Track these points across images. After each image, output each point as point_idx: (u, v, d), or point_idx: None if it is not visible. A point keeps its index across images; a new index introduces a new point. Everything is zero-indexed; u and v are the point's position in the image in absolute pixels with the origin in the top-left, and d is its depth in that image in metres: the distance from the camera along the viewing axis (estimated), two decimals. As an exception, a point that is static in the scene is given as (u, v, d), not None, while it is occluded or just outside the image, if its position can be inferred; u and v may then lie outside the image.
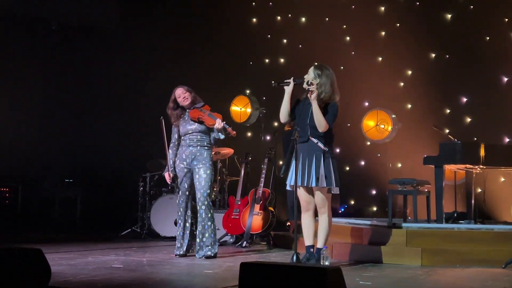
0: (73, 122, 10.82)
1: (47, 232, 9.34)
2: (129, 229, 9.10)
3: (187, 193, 6.55)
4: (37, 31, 10.54)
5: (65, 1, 10.54)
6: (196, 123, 6.49)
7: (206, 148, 6.53)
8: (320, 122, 5.58)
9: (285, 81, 5.71)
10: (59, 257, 6.18)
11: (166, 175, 6.60)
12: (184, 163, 6.51)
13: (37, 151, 10.37)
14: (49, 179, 10.53)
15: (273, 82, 5.84)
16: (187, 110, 6.60)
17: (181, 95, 6.59)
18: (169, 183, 6.71)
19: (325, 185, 5.58)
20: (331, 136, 5.75)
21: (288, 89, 5.70)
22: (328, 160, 5.61)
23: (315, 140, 5.63)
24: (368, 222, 7.02)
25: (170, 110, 6.64)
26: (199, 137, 6.50)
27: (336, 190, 5.67)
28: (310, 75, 5.70)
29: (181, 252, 6.52)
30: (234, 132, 6.52)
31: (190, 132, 6.51)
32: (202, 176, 6.44)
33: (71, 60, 10.80)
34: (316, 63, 5.84)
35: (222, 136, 6.46)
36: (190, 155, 6.47)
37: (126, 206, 9.77)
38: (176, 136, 6.66)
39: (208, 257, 6.36)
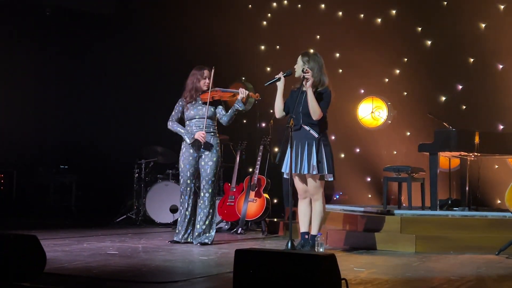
0: (69, 108, 10.80)
1: (42, 218, 9.34)
2: (124, 216, 9.11)
3: (188, 181, 6.51)
4: (31, 17, 10.49)
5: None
6: (204, 108, 6.38)
7: (212, 134, 6.47)
8: (315, 109, 5.61)
9: (275, 77, 5.77)
10: (54, 243, 6.19)
11: (198, 136, 6.33)
12: (191, 150, 6.45)
13: (32, 137, 10.36)
14: (44, 165, 10.52)
15: (265, 84, 5.90)
16: (199, 94, 6.48)
17: (208, 77, 6.48)
18: (203, 137, 6.35)
19: (317, 172, 5.62)
20: (325, 123, 5.79)
21: (280, 85, 5.76)
22: (321, 147, 5.64)
23: (307, 128, 5.67)
24: (363, 209, 7.05)
25: (189, 86, 6.46)
26: (206, 123, 6.39)
27: (329, 177, 5.71)
28: (299, 63, 5.76)
29: (177, 239, 6.51)
30: (257, 94, 6.51)
31: (197, 117, 6.42)
32: (208, 163, 6.41)
33: (66, 45, 10.76)
34: (302, 51, 5.87)
35: (244, 107, 6.39)
36: (197, 141, 6.40)
37: (121, 192, 9.77)
38: (179, 114, 6.51)
39: (204, 244, 6.37)
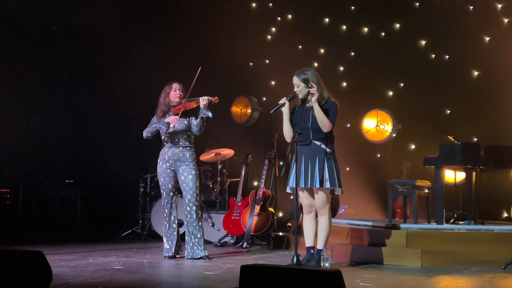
0: (74, 122, 10.85)
1: (48, 232, 9.34)
2: (130, 230, 9.10)
3: (171, 193, 6.55)
4: (36, 32, 10.56)
5: (64, 1, 10.56)
6: (177, 122, 6.40)
7: (188, 148, 6.50)
8: (324, 122, 5.63)
9: (279, 102, 5.77)
10: (60, 258, 6.19)
11: (170, 119, 6.34)
12: (167, 164, 6.49)
13: (38, 151, 10.41)
14: (49, 179, 10.55)
15: (270, 112, 5.92)
16: (170, 108, 6.53)
17: (177, 90, 6.55)
18: (175, 121, 6.35)
19: (329, 187, 5.64)
20: (332, 137, 5.82)
21: (285, 110, 5.78)
22: (331, 162, 5.67)
23: (318, 143, 5.69)
24: (368, 223, 7.04)
25: (161, 101, 6.55)
26: (180, 136, 6.47)
27: (339, 191, 5.75)
28: (300, 85, 5.75)
29: (171, 254, 6.48)
30: (216, 97, 6.47)
31: (171, 132, 6.45)
32: (188, 177, 6.43)
33: (72, 60, 10.82)
34: (296, 72, 5.84)
35: (210, 114, 6.33)
36: (173, 156, 6.45)
37: (126, 206, 9.77)
38: (153, 129, 6.54)
39: (203, 258, 6.36)
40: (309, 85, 5.68)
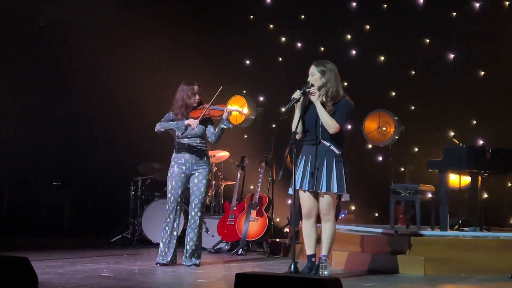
0: (62, 123, 10.82)
1: (34, 237, 9.33)
2: (120, 236, 9.10)
3: (179, 199, 6.52)
4: (25, 28, 10.53)
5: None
6: (197, 127, 6.42)
7: (205, 152, 6.57)
8: (328, 122, 5.49)
9: (293, 97, 5.55)
10: (47, 265, 6.18)
11: (191, 121, 6.33)
12: (183, 167, 6.49)
13: (24, 152, 10.37)
14: (36, 181, 10.53)
15: (282, 109, 5.77)
16: (189, 111, 6.53)
17: (197, 92, 6.55)
18: (196, 124, 6.34)
19: (336, 191, 5.50)
20: (342, 139, 5.65)
21: (298, 104, 5.56)
22: (340, 164, 5.53)
23: (327, 143, 5.55)
24: (369, 229, 7.05)
25: (181, 102, 6.49)
26: (198, 141, 6.52)
27: (347, 197, 5.61)
28: (315, 75, 5.59)
29: (165, 261, 6.44)
30: (248, 111, 6.51)
31: (190, 136, 6.48)
32: (202, 181, 6.47)
33: (60, 58, 10.78)
34: (315, 61, 5.71)
35: (231, 125, 6.45)
36: (190, 159, 6.47)
37: (116, 211, 9.76)
38: (169, 126, 6.48)
39: (196, 265, 6.38)
40: (310, 84, 5.61)
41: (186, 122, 6.38)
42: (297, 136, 5.64)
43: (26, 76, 10.37)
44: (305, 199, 5.66)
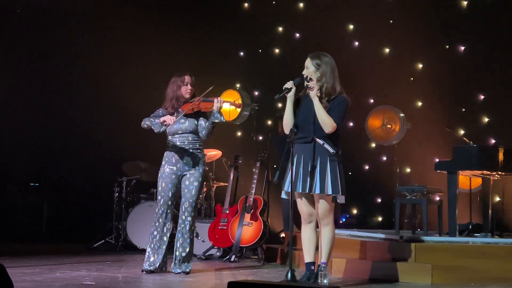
0: (40, 119, 10.80)
1: (9, 242, 9.31)
2: (103, 241, 9.11)
3: (169, 202, 6.49)
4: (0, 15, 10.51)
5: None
6: (187, 121, 6.42)
7: (199, 151, 6.51)
8: (325, 121, 5.49)
9: (284, 87, 5.60)
10: (23, 272, 6.17)
11: (167, 118, 6.25)
12: (174, 168, 6.46)
13: (-2, 151, 10.36)
14: (12, 182, 10.52)
15: (274, 97, 5.79)
16: (181, 104, 6.50)
17: (189, 83, 6.53)
18: (172, 121, 6.29)
19: (331, 193, 5.49)
20: (339, 137, 5.65)
21: (290, 95, 5.60)
22: (334, 164, 5.52)
23: (321, 141, 5.53)
24: (373, 235, 7.07)
25: (171, 95, 6.49)
26: (190, 138, 6.46)
27: (342, 199, 5.60)
28: (310, 68, 5.60)
29: (152, 268, 6.41)
30: (239, 102, 6.50)
31: (180, 132, 6.45)
32: (194, 184, 6.44)
33: (37, 48, 10.75)
34: (311, 53, 5.71)
35: (223, 119, 6.41)
36: (182, 158, 6.44)
37: (99, 214, 9.76)
38: (154, 124, 6.45)
39: (186, 273, 6.37)
40: (308, 78, 5.63)
41: (162, 118, 6.32)
42: (287, 131, 5.59)
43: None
44: (301, 203, 5.68)
